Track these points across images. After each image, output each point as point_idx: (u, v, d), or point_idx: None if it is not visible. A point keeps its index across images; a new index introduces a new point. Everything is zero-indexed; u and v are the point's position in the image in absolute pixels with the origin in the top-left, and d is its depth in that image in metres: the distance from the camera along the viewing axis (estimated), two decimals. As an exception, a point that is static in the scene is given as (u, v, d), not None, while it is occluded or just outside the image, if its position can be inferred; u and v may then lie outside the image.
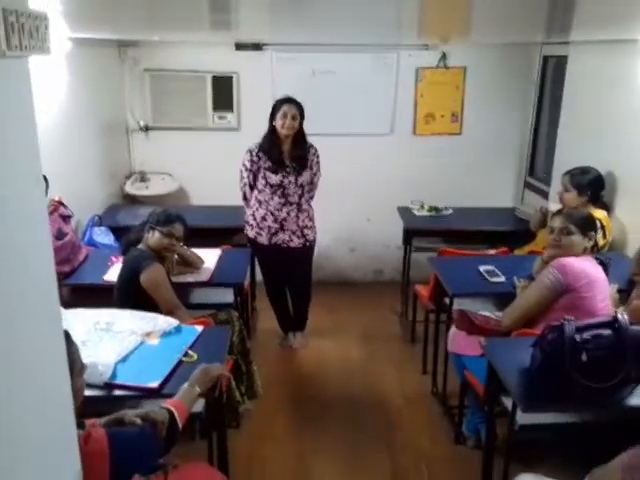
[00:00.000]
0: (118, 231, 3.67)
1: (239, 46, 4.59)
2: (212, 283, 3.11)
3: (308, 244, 3.72)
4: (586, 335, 2.00)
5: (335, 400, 3.35)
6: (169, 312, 2.66)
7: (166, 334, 2.40)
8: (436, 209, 4.31)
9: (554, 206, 3.58)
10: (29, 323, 1.01)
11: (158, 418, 1.70)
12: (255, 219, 3.64)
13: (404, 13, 2.29)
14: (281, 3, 1.98)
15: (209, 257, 3.29)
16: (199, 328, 2.47)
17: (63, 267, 3.07)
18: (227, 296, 3.14)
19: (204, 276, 3.13)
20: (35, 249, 1.04)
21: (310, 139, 3.62)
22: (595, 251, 2.65)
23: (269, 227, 3.62)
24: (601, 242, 3.15)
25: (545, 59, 4.64)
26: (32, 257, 1.02)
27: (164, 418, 1.71)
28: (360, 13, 2.13)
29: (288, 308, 3.98)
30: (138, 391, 2.06)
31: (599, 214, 3.27)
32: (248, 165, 3.58)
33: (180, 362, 2.21)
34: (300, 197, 3.61)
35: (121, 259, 2.98)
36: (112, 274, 3.01)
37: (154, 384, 2.05)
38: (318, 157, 3.67)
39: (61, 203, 3.26)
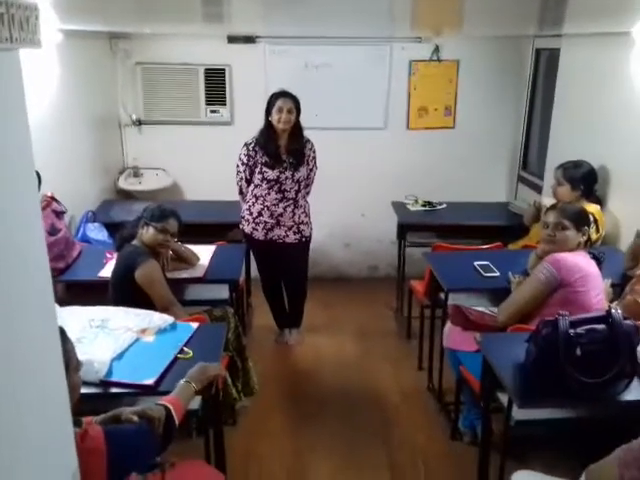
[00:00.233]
0: (112, 227, 3.65)
1: (231, 39, 4.56)
2: (207, 279, 3.10)
3: (304, 240, 3.71)
4: (580, 330, 2.01)
5: (331, 396, 3.35)
6: (164, 308, 2.65)
7: (161, 331, 2.39)
8: (430, 204, 4.31)
9: (547, 200, 3.58)
10: (25, 321, 0.99)
11: (155, 415, 1.69)
12: (251, 214, 3.63)
13: (397, 5, 2.28)
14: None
15: (203, 253, 3.27)
16: (194, 325, 2.46)
17: (57, 263, 3.05)
18: (222, 292, 3.14)
19: (199, 272, 3.12)
20: (29, 246, 1.03)
21: (304, 133, 3.60)
22: (588, 245, 2.65)
23: (265, 222, 3.60)
24: (594, 236, 3.15)
25: (538, 52, 4.64)
26: (26, 254, 1.01)
27: (160, 415, 1.70)
28: (353, 5, 2.12)
29: (284, 304, 3.97)
30: (134, 388, 2.06)
31: (592, 208, 3.27)
32: (245, 159, 3.56)
33: (176, 359, 2.20)
34: (297, 193, 3.59)
35: (115, 255, 2.96)
36: (107, 270, 2.99)
37: (150, 381, 2.04)
38: (315, 152, 3.65)
39: (54, 199, 3.23)
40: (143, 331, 2.34)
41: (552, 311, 2.23)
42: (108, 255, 3.17)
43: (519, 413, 2.11)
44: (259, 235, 3.63)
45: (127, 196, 4.65)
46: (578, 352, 1.97)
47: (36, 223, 1.07)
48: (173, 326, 2.43)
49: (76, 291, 3.15)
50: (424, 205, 4.30)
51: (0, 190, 0.91)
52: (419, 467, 2.77)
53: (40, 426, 1.05)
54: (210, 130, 4.78)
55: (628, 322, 2.02)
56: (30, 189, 1.05)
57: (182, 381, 1.92)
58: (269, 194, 3.55)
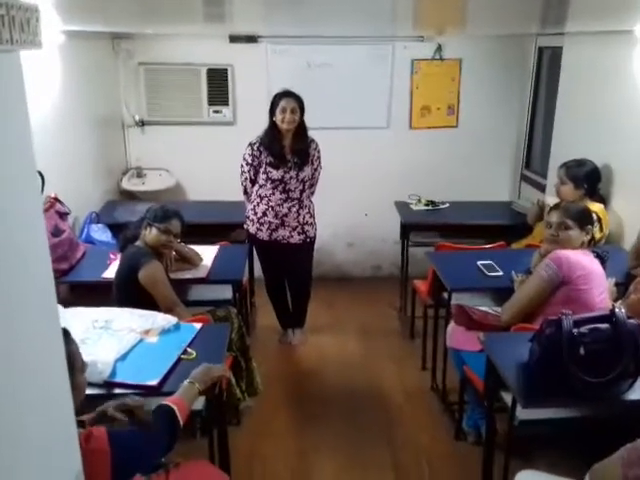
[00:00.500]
0: (115, 228, 3.64)
1: (233, 38, 4.56)
2: (210, 280, 3.10)
3: (308, 240, 3.70)
4: (584, 329, 2.00)
5: (335, 396, 3.35)
6: (168, 309, 2.65)
7: (165, 332, 2.39)
8: (433, 203, 4.30)
9: (551, 199, 3.57)
10: (28, 322, 1.00)
11: (136, 404, 1.68)
12: (256, 214, 3.62)
13: (399, 4, 2.27)
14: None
15: (206, 254, 3.27)
16: (198, 325, 2.46)
17: (61, 264, 3.05)
18: (225, 292, 3.14)
19: (202, 273, 3.12)
20: (31, 247, 1.03)
21: (308, 133, 3.59)
22: (592, 244, 2.65)
23: (269, 223, 3.60)
24: (598, 235, 3.15)
25: (540, 50, 4.62)
26: (28, 255, 1.01)
27: (141, 404, 1.70)
28: (355, 5, 2.12)
29: (287, 304, 3.97)
30: (137, 389, 2.05)
31: (596, 207, 3.26)
32: (249, 159, 3.56)
33: (179, 360, 2.20)
34: (301, 192, 3.59)
35: (119, 256, 2.97)
36: (110, 271, 2.99)
37: (153, 382, 2.04)
38: (319, 152, 3.64)
39: (57, 200, 3.23)
40: (147, 332, 2.34)
41: (555, 310, 2.22)
42: (112, 256, 3.17)
43: (523, 413, 2.10)
44: (263, 235, 3.63)
45: (130, 197, 4.66)
46: (582, 351, 1.97)
47: (38, 224, 1.07)
48: (176, 327, 2.43)
49: (80, 292, 3.16)
50: (427, 204, 4.29)
51: (1, 191, 0.91)
52: (423, 467, 2.77)
53: (43, 427, 1.05)
54: (213, 130, 4.78)
55: (632, 321, 2.01)
56: (32, 190, 1.06)
57: (186, 382, 1.92)
58: (273, 194, 3.55)
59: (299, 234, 3.64)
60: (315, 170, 3.66)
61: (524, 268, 2.82)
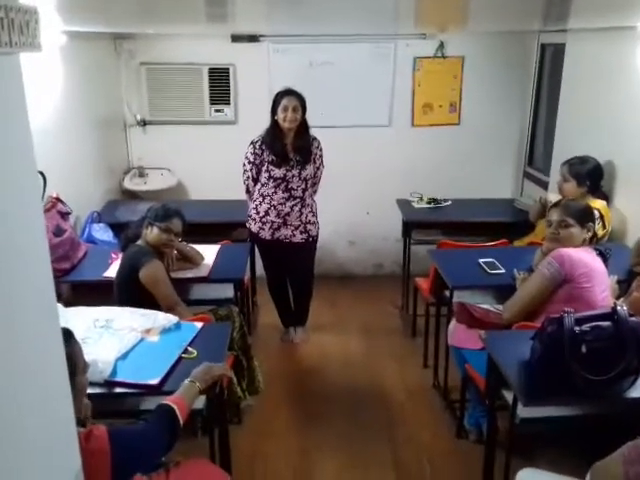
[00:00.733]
0: (117, 227, 3.65)
1: (235, 38, 4.56)
2: (211, 279, 3.10)
3: (311, 239, 3.70)
4: (585, 327, 1.99)
5: (337, 395, 3.35)
6: (169, 308, 2.65)
7: (166, 331, 2.39)
8: (435, 201, 4.29)
9: (553, 196, 3.56)
10: (27, 323, 1.00)
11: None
12: (258, 213, 3.62)
13: (401, 2, 2.27)
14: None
15: (208, 253, 3.27)
16: (199, 324, 2.47)
17: (62, 264, 3.06)
18: (227, 291, 3.14)
19: (203, 272, 3.12)
20: (31, 247, 1.03)
21: (310, 131, 3.59)
22: (594, 242, 2.64)
23: (272, 222, 3.60)
24: (600, 232, 3.14)
25: (543, 47, 4.61)
26: (28, 255, 1.01)
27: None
28: (357, 3, 2.11)
29: (289, 303, 3.97)
30: (138, 388, 2.06)
31: (598, 204, 3.26)
32: (251, 158, 3.56)
33: (180, 359, 2.21)
34: (304, 191, 3.58)
35: (120, 255, 2.97)
36: (112, 271, 3.00)
37: (154, 381, 2.05)
38: (321, 150, 3.64)
39: (59, 199, 3.24)
40: (147, 331, 2.35)
41: (557, 308, 2.22)
42: (113, 255, 3.18)
43: (524, 411, 2.10)
44: (266, 234, 3.63)
45: (132, 196, 4.67)
46: (584, 349, 1.96)
47: (38, 224, 1.08)
48: (177, 326, 2.43)
49: (82, 291, 3.16)
50: (429, 202, 4.28)
51: (2, 191, 0.92)
52: (424, 465, 2.77)
53: (42, 426, 1.05)
54: (214, 129, 4.78)
55: (634, 319, 2.00)
56: (32, 191, 1.06)
57: (186, 381, 1.92)
58: (276, 193, 3.55)
59: (301, 233, 3.64)
60: (317, 169, 3.66)
61: (526, 266, 2.81)
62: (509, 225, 4.05)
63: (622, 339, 1.96)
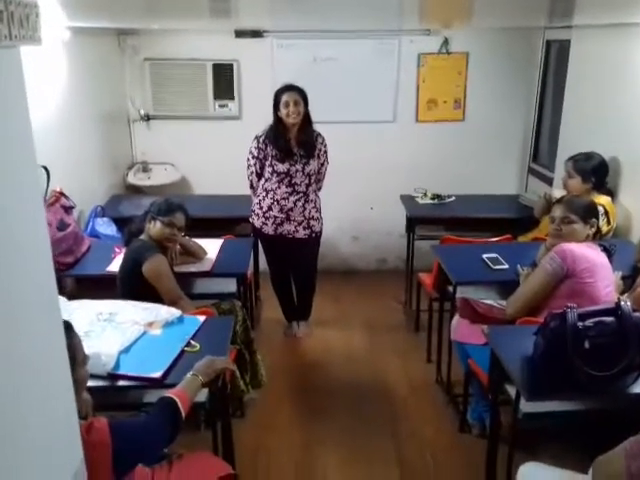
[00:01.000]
0: (121, 222, 3.66)
1: (239, 33, 4.56)
2: (214, 273, 3.11)
3: (314, 235, 3.70)
4: (588, 322, 1.99)
5: (340, 389, 3.36)
6: (172, 302, 2.66)
7: (168, 324, 2.40)
8: (439, 197, 4.28)
9: (558, 192, 3.55)
10: (28, 317, 1.00)
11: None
12: (261, 208, 3.62)
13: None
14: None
15: (211, 247, 3.28)
16: (201, 318, 2.47)
17: (66, 258, 3.07)
18: (230, 286, 3.15)
19: (206, 266, 3.13)
20: (31, 242, 1.03)
21: (314, 127, 3.59)
22: (598, 238, 2.63)
23: (275, 217, 3.60)
24: (605, 228, 3.13)
25: (548, 44, 4.59)
26: (28, 250, 1.02)
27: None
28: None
29: (292, 297, 3.98)
30: (141, 381, 2.07)
31: (603, 200, 3.24)
32: (255, 152, 3.56)
33: (183, 352, 2.21)
34: (307, 186, 3.58)
35: (124, 250, 2.98)
36: (115, 265, 3.01)
37: (157, 374, 2.05)
38: (326, 146, 3.63)
39: (62, 194, 3.25)
40: (150, 324, 2.35)
41: (560, 303, 2.21)
42: (116, 250, 3.19)
43: (527, 406, 2.10)
44: (269, 230, 3.63)
45: (136, 191, 4.68)
46: (586, 345, 1.96)
47: (39, 218, 1.08)
48: (180, 319, 2.44)
49: (85, 285, 3.18)
50: (433, 198, 4.27)
51: (1, 186, 0.92)
52: (427, 459, 2.77)
53: (44, 419, 1.05)
54: (218, 125, 4.78)
55: (638, 314, 1.99)
56: (32, 185, 1.06)
57: (189, 374, 1.93)
58: (279, 187, 3.55)
59: (304, 229, 3.64)
60: (322, 165, 3.66)
61: (530, 261, 2.80)
62: (513, 221, 4.04)
63: (625, 335, 1.95)
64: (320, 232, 3.75)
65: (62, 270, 2.98)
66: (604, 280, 2.45)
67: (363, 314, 4.30)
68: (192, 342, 2.28)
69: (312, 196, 3.64)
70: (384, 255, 5.15)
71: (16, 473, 0.96)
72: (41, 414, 1.04)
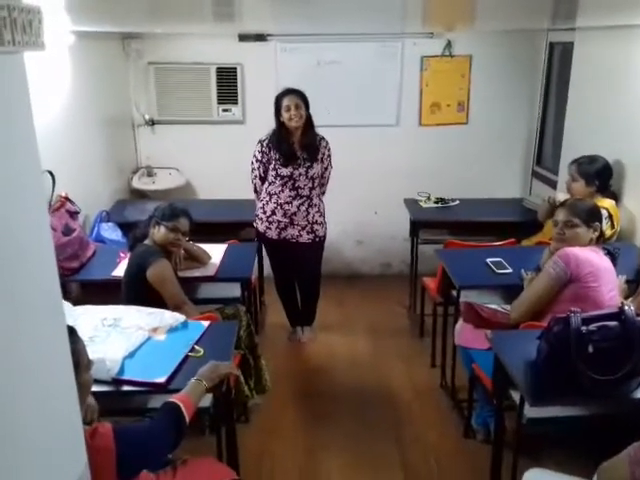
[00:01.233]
0: (126, 226, 3.66)
1: (242, 37, 4.57)
2: (218, 278, 3.11)
3: (318, 240, 3.70)
4: (592, 327, 1.98)
5: (344, 394, 3.35)
6: (176, 307, 2.66)
7: (173, 329, 2.40)
8: (443, 200, 4.28)
9: (562, 196, 3.54)
10: (32, 322, 1.01)
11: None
12: (265, 213, 3.63)
13: (409, 1, 2.26)
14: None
15: (215, 252, 3.28)
16: (205, 323, 2.48)
17: (71, 263, 3.08)
18: (234, 290, 3.14)
19: (210, 271, 3.13)
20: (36, 247, 1.04)
21: (316, 131, 3.59)
22: (602, 241, 2.62)
23: (278, 221, 3.60)
24: (609, 232, 3.12)
25: (551, 46, 4.58)
26: (33, 255, 1.02)
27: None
28: (364, 1, 2.11)
29: (297, 302, 3.98)
30: (145, 386, 2.07)
31: (607, 203, 3.23)
32: (258, 156, 3.57)
33: (187, 357, 2.22)
34: (311, 190, 3.58)
35: (129, 255, 2.99)
36: (120, 270, 3.01)
37: (161, 379, 2.06)
38: (329, 150, 3.64)
39: (68, 199, 3.26)
40: (155, 330, 2.36)
41: (564, 308, 2.21)
42: (121, 254, 3.20)
43: (531, 411, 2.09)
44: (272, 234, 3.63)
45: (141, 196, 4.69)
46: (590, 349, 1.95)
47: (42, 224, 1.08)
48: (184, 324, 2.44)
49: (91, 290, 3.19)
50: (437, 202, 4.27)
51: (5, 192, 0.92)
52: (432, 465, 2.76)
53: (48, 425, 1.06)
54: (222, 129, 4.80)
55: (642, 319, 1.99)
56: (36, 191, 1.06)
57: (193, 379, 1.93)
58: (282, 191, 3.55)
59: (308, 233, 3.64)
60: (325, 169, 3.66)
61: (534, 265, 2.79)
62: (517, 225, 4.03)
63: (629, 339, 1.95)
64: (324, 237, 3.75)
65: (67, 275, 2.99)
66: (608, 284, 2.44)
67: (367, 318, 4.29)
68: (196, 347, 2.28)
69: (316, 200, 3.64)
70: (388, 259, 5.14)
71: (19, 478, 0.96)
72: (45, 419, 1.04)
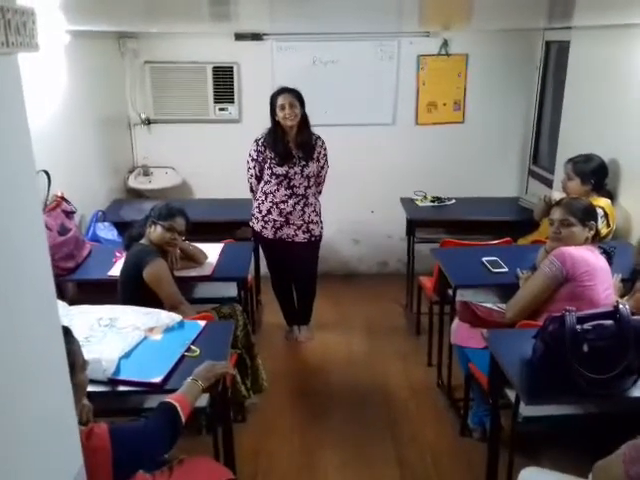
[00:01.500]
0: (122, 226, 3.66)
1: (239, 36, 4.57)
2: (215, 277, 3.11)
3: (313, 239, 3.69)
4: (587, 326, 1.99)
5: (341, 393, 3.36)
6: (172, 307, 2.66)
7: (169, 329, 2.40)
8: (439, 199, 4.29)
9: (558, 195, 3.55)
10: (27, 322, 1.01)
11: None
12: (260, 212, 3.63)
13: (405, 0, 2.27)
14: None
15: (211, 251, 3.28)
16: (202, 323, 2.47)
17: (67, 263, 3.07)
18: (231, 290, 3.14)
19: (207, 270, 3.13)
20: (30, 247, 1.04)
21: (312, 130, 3.59)
22: (597, 240, 2.63)
23: (274, 221, 3.60)
24: (605, 231, 3.13)
25: (547, 45, 4.59)
26: (27, 255, 1.02)
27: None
28: (361, 1, 2.11)
29: (293, 301, 3.98)
30: (141, 386, 2.07)
31: (603, 202, 3.24)
32: (254, 155, 3.56)
33: (183, 357, 2.21)
34: (306, 189, 3.58)
35: (125, 254, 2.98)
36: (116, 269, 3.01)
37: (157, 379, 2.05)
38: (325, 149, 3.63)
39: (64, 198, 3.26)
40: (151, 329, 2.35)
41: (559, 307, 2.21)
42: (117, 254, 3.19)
43: (527, 409, 2.10)
44: (268, 233, 3.63)
45: (137, 195, 4.69)
46: (585, 348, 1.95)
47: (37, 224, 1.08)
48: (181, 324, 2.44)
49: (87, 290, 3.19)
50: (433, 201, 4.28)
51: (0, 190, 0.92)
52: (428, 463, 2.77)
53: (43, 425, 1.06)
54: (219, 128, 4.79)
55: (636, 317, 1.99)
56: (31, 191, 1.07)
57: (189, 379, 1.93)
58: (278, 190, 3.55)
59: (304, 233, 3.64)
60: (322, 168, 3.66)
61: (530, 264, 2.80)
62: (513, 224, 4.04)
63: (624, 338, 1.95)
64: (320, 236, 3.75)
65: (63, 275, 2.98)
66: (604, 283, 2.44)
67: (364, 317, 4.30)
68: (192, 347, 2.28)
69: (311, 199, 3.64)
70: (385, 258, 5.15)
71: (15, 479, 0.96)
72: (40, 419, 1.04)
